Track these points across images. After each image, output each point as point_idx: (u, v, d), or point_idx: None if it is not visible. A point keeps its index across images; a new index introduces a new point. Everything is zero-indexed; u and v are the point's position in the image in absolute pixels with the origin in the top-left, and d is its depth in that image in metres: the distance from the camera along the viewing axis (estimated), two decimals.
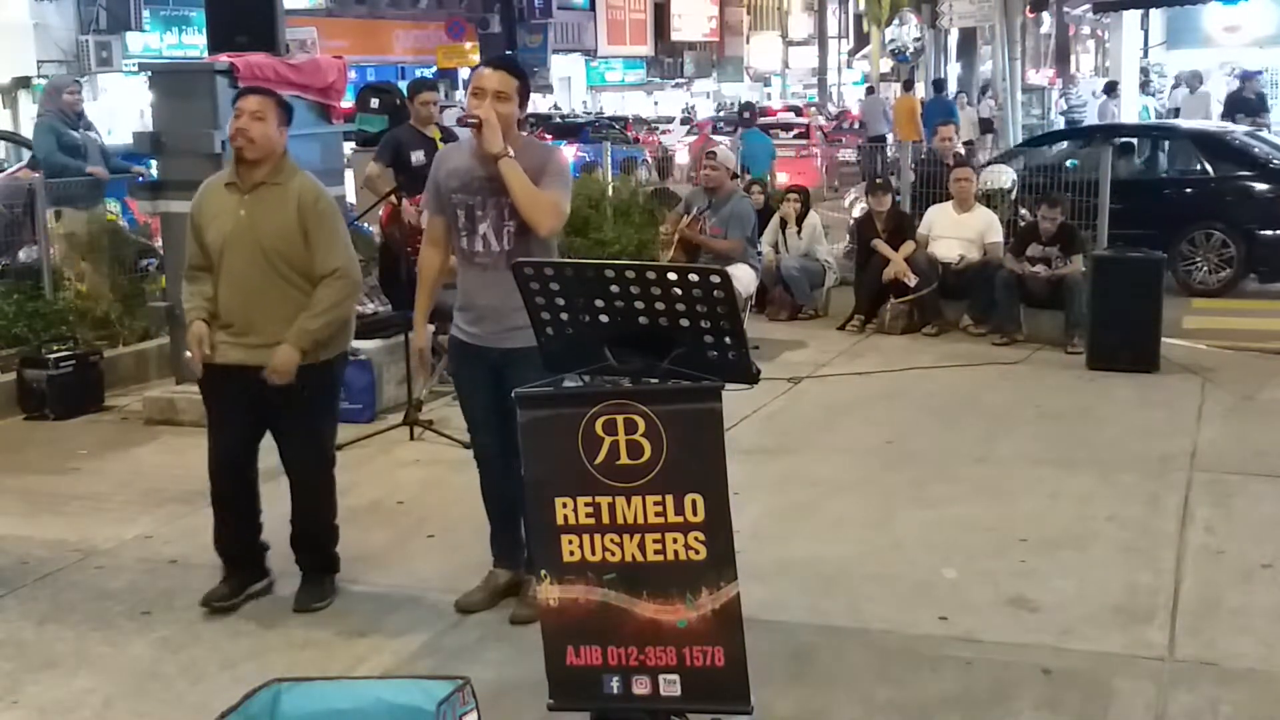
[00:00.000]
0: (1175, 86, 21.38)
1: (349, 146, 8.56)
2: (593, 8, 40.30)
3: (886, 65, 38.37)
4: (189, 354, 4.58)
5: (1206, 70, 23.94)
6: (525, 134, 4.54)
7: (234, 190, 4.48)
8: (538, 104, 33.07)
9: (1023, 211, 10.29)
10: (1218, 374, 8.04)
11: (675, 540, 3.28)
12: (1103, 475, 6.04)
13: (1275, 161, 11.57)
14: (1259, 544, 5.11)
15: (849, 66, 48.55)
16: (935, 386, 8.00)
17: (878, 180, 10.62)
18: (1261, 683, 3.99)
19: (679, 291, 3.24)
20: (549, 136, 24.13)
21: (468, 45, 31.12)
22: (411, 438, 6.77)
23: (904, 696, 3.93)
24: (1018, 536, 5.24)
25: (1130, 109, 19.86)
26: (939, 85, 22.19)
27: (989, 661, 4.14)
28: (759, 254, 9.77)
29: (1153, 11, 22.67)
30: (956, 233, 9.71)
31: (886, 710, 3.85)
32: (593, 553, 3.32)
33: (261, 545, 4.76)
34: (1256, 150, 11.91)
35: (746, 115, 18.68)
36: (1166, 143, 12.66)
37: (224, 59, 7.17)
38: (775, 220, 10.43)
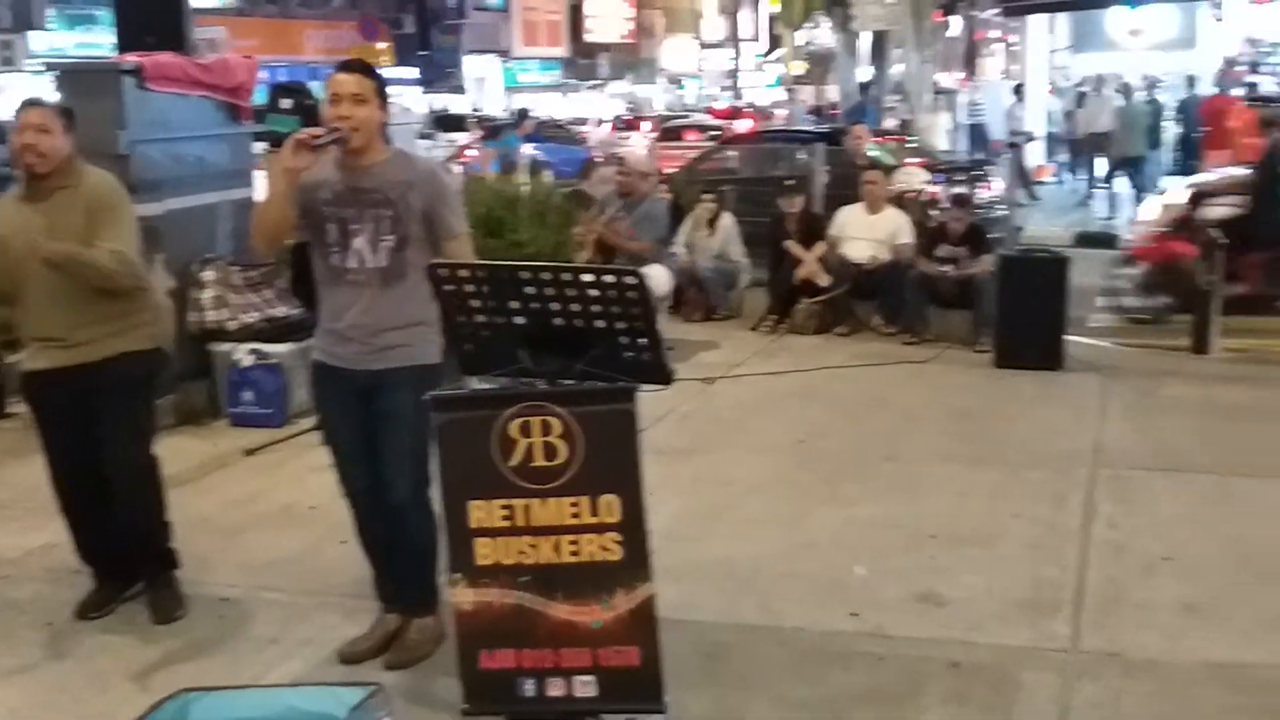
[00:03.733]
0: (1079, 88, 21.82)
1: (262, 147, 8.45)
2: (508, 9, 40.14)
3: (800, 68, 38.70)
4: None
5: (1115, 75, 24.48)
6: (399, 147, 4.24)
7: (28, 202, 4.39)
8: (452, 105, 32.87)
9: (932, 213, 10.46)
10: (1120, 371, 8.24)
11: (591, 541, 3.30)
12: (1010, 472, 6.16)
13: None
14: (1160, 538, 5.25)
15: (762, 69, 48.83)
16: (847, 386, 8.10)
17: (788, 182, 10.71)
18: (1163, 673, 4.09)
19: (594, 293, 3.26)
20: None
21: (381, 46, 30.85)
22: (323, 442, 6.69)
23: (816, 694, 3.97)
24: (927, 533, 5.33)
25: (1037, 111, 20.24)
26: (864, 88, 22.42)
27: (899, 657, 4.20)
28: (673, 255, 9.84)
29: (1058, 15, 23.12)
30: (867, 234, 9.83)
31: (799, 708, 3.89)
32: (507, 555, 3.33)
33: (127, 549, 4.68)
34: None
35: (515, 121, 18.85)
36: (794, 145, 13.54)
37: (131, 59, 7.06)
38: (688, 222, 10.50)
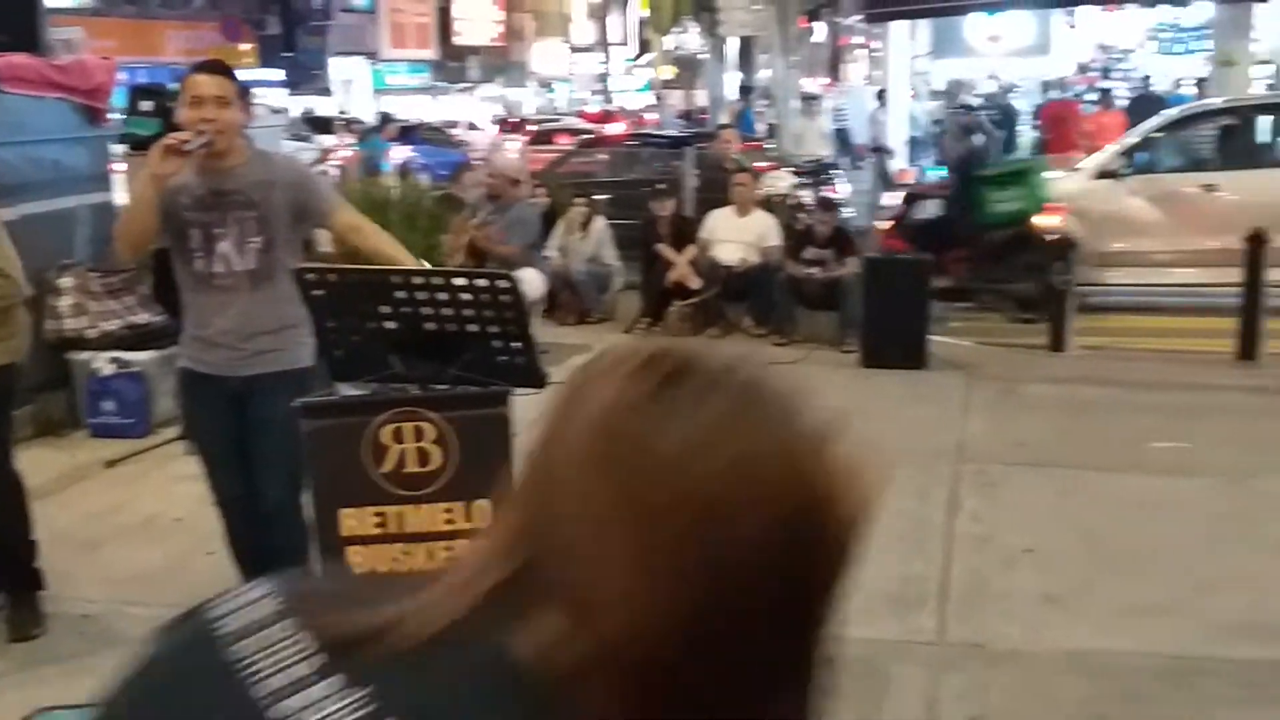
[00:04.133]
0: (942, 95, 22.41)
1: (121, 150, 8.24)
2: (375, 10, 39.68)
3: (669, 72, 38.98)
4: None
5: (972, 80, 25.18)
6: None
7: None
8: (319, 107, 32.39)
9: (800, 216, 10.64)
10: (981, 369, 8.47)
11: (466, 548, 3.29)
12: (877, 469, 6.28)
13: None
14: (1021, 530, 5.41)
15: (632, 74, 49.08)
16: None
17: (659, 186, 10.81)
18: (1025, 662, 4.22)
19: (467, 297, 3.25)
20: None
21: (244, 47, 30.26)
22: (189, 451, 6.56)
23: None
24: None
25: (899, 116, 20.68)
26: (745, 91, 22.67)
27: None
28: (546, 259, 9.84)
29: (919, 22, 23.64)
30: (737, 236, 9.95)
31: None
32: (380, 563, 3.31)
33: None
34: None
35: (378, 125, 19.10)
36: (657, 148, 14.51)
37: None
38: (561, 225, 10.51)
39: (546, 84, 49.56)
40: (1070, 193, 11.06)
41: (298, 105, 29.90)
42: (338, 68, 38.19)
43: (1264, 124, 11.59)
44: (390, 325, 3.32)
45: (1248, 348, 8.52)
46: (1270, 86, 19.21)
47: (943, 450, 6.59)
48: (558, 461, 0.87)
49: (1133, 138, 11.68)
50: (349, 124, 24.61)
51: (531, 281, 8.59)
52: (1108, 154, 11.50)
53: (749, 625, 0.84)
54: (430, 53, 42.87)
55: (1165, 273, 10.40)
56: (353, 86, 38.58)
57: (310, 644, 0.87)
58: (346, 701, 0.84)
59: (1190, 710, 3.87)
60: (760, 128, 19.20)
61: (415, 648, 0.85)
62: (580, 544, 0.84)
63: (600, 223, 10.59)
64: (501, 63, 46.97)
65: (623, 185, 12.69)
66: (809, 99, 19.63)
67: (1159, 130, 11.48)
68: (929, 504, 5.77)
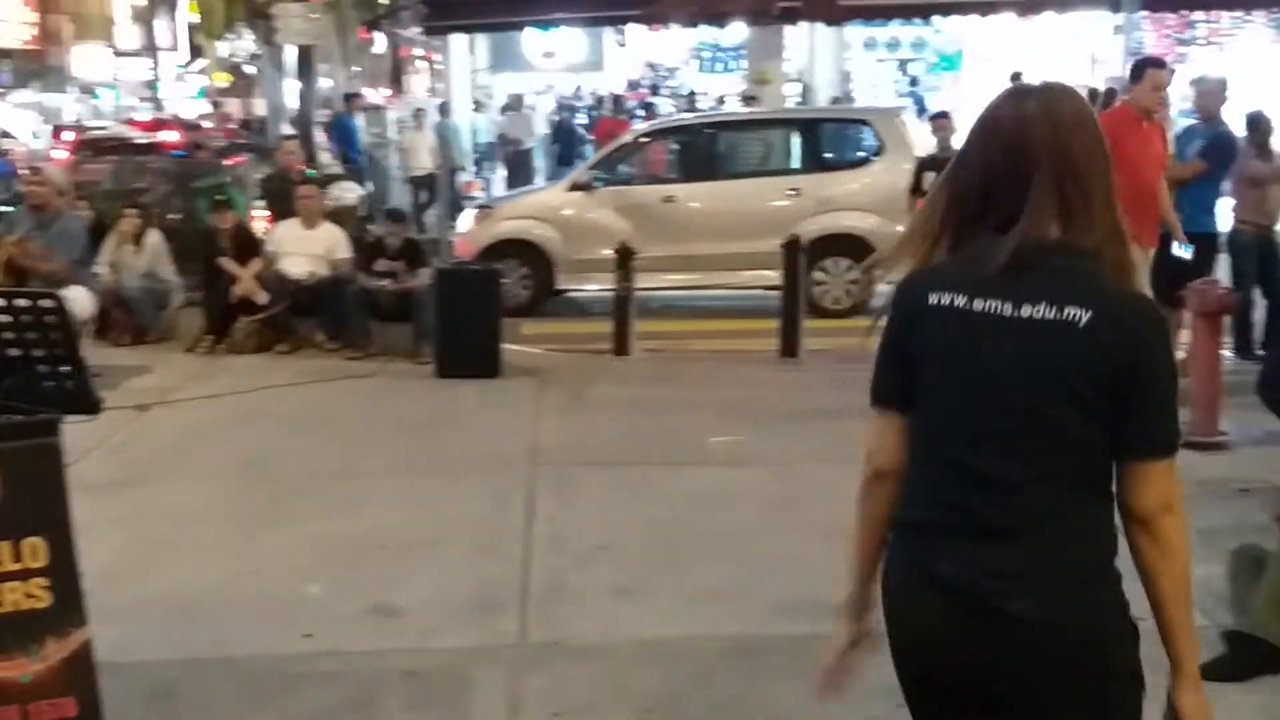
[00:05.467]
0: (505, 108, 22.83)
1: None
2: None
3: (225, 80, 37.58)
4: None
5: (531, 93, 25.87)
6: None
7: None
8: None
9: (369, 227, 10.56)
10: (553, 375, 8.72)
11: (14, 590, 3.06)
12: (455, 478, 6.35)
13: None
14: (595, 528, 5.62)
15: (184, 80, 46.91)
16: (292, 404, 7.99)
17: (218, 198, 10.42)
18: (603, 655, 4.39)
19: (6, 319, 3.03)
20: None
21: None
22: None
23: (272, 719, 3.91)
24: (378, 545, 5.38)
25: (462, 129, 20.93)
26: (349, 98, 22.01)
27: (354, 672, 4.22)
28: (96, 275, 9.26)
29: (479, 35, 24.01)
30: (304, 249, 9.75)
31: None
32: None
33: None
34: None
35: None
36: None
37: None
38: (112, 238, 9.90)
39: (89, 90, 46.52)
40: (549, 205, 11.93)
41: None
42: None
43: (716, 140, 12.64)
44: None
45: (789, 346, 9.24)
46: (800, 102, 20.88)
47: (518, 455, 6.73)
48: (976, 148, 2.09)
49: (602, 153, 12.64)
50: None
51: (80, 300, 8.08)
52: (580, 168, 12.45)
53: (1089, 167, 2.03)
54: None
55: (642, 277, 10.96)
56: None
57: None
58: (995, 305, 2.01)
59: (752, 685, 4.16)
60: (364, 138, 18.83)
61: (993, 268, 2.01)
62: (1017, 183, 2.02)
63: (155, 236, 10.07)
64: (37, 67, 43.64)
65: (179, 196, 12.12)
66: (370, 110, 19.47)
67: (627, 146, 12.40)
68: (507, 509, 5.89)
